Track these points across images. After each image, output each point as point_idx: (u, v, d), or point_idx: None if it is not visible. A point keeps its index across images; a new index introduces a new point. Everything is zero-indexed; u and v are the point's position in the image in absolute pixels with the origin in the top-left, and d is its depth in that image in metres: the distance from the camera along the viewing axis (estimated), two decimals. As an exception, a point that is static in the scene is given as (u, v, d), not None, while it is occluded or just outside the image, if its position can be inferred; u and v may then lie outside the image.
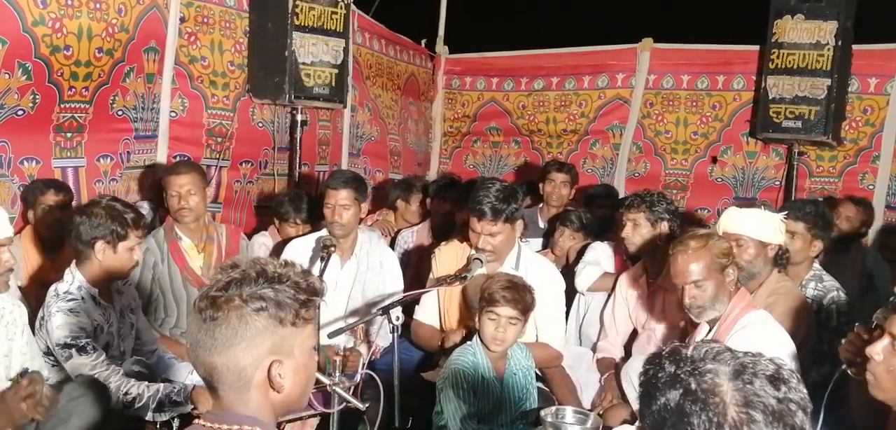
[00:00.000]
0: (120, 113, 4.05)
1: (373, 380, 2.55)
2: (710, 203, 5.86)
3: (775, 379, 1.20)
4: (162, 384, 2.79)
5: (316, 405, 2.54)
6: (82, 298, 2.79)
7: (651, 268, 3.46)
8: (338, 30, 4.85)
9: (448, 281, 3.12)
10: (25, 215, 3.59)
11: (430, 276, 3.40)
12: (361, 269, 3.59)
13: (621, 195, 5.26)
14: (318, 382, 2.06)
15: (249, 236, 4.30)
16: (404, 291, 3.49)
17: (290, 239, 3.86)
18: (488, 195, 3.13)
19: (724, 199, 5.73)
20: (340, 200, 3.48)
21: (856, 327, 2.28)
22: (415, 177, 5.71)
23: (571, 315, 3.82)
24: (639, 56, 6.15)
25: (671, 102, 6.08)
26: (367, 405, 2.52)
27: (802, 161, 5.52)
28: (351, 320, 3.24)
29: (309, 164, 5.19)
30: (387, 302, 2.84)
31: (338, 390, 2.40)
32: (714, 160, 5.94)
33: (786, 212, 3.36)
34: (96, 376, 2.70)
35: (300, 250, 3.61)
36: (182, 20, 4.32)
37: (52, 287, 2.82)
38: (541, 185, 5.00)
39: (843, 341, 2.30)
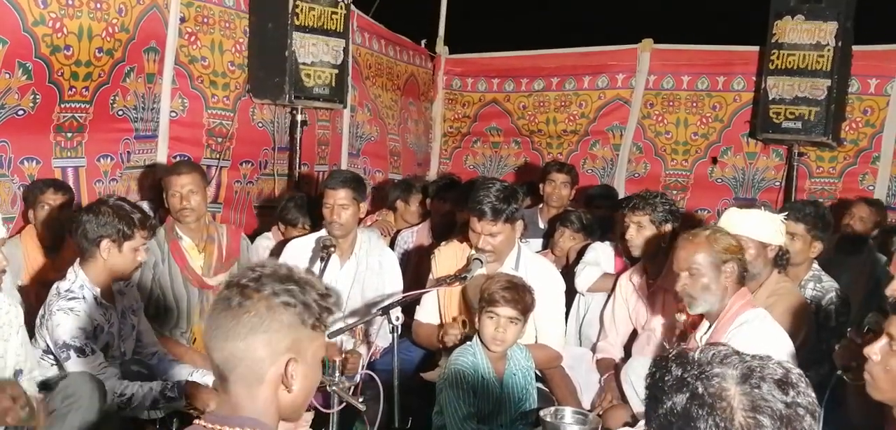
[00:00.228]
0: (120, 113, 4.05)
1: (372, 380, 2.55)
2: (710, 204, 5.86)
3: (783, 383, 1.19)
4: (156, 383, 2.80)
5: (315, 405, 2.55)
6: (84, 297, 2.79)
7: (651, 268, 3.46)
8: (338, 30, 4.85)
9: (448, 281, 3.12)
10: (26, 215, 3.59)
11: (430, 276, 3.40)
12: (361, 269, 3.59)
13: (621, 196, 5.26)
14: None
15: (250, 237, 4.30)
16: (404, 291, 3.49)
17: (289, 239, 3.87)
18: (488, 195, 3.13)
19: (724, 199, 5.74)
20: (339, 200, 3.48)
21: (849, 333, 2.28)
22: (414, 177, 5.71)
23: (571, 316, 3.81)
24: (639, 57, 6.15)
25: (671, 103, 6.08)
26: (366, 405, 2.52)
27: (802, 162, 5.53)
28: (350, 321, 3.23)
29: (308, 164, 5.20)
30: (386, 303, 2.84)
31: (337, 390, 2.41)
32: (714, 161, 5.94)
33: (786, 213, 3.37)
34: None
35: (300, 251, 3.61)
36: (182, 20, 4.32)
37: (55, 286, 2.82)
38: (541, 185, 5.00)
39: (837, 347, 2.30)
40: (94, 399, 2.55)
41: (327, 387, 2.48)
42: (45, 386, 2.74)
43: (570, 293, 3.70)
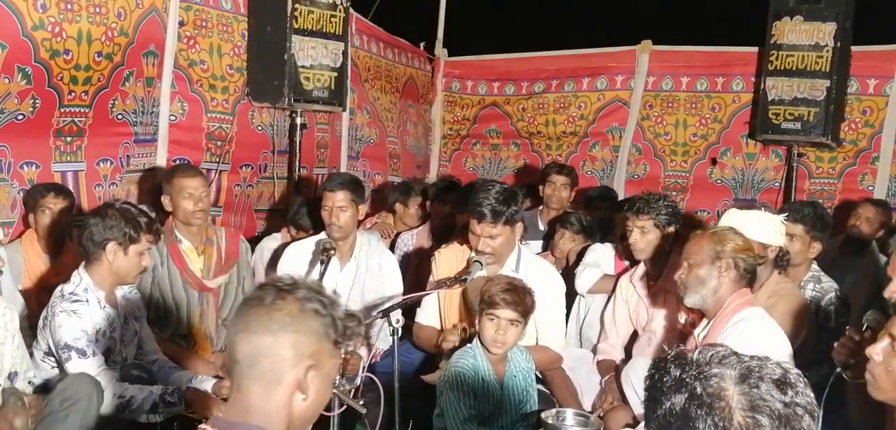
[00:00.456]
0: (119, 117, 4.05)
1: (373, 383, 2.55)
2: (709, 205, 5.87)
3: (782, 383, 1.19)
4: (156, 387, 2.80)
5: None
6: (87, 300, 2.79)
7: (652, 270, 3.46)
8: (337, 33, 4.85)
9: (448, 283, 3.11)
10: (26, 219, 3.59)
11: (431, 278, 3.40)
12: (360, 271, 3.59)
13: (621, 197, 5.26)
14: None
15: (252, 240, 4.30)
16: (404, 293, 3.49)
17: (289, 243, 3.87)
18: (488, 197, 3.13)
19: (724, 201, 5.74)
20: (338, 202, 3.48)
21: (847, 331, 2.28)
22: (413, 180, 5.71)
23: (571, 317, 3.82)
24: (638, 58, 6.16)
25: (670, 104, 6.09)
26: (367, 407, 2.52)
27: (802, 163, 5.53)
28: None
29: (307, 167, 5.20)
30: (387, 305, 2.84)
31: (338, 392, 2.40)
32: (713, 162, 5.94)
33: (785, 214, 3.37)
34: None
35: (300, 254, 3.61)
36: (181, 24, 4.33)
37: (58, 288, 2.83)
38: (540, 187, 5.00)
39: (835, 344, 2.30)
40: (93, 401, 2.56)
41: (327, 390, 2.48)
42: (44, 388, 2.74)
43: (571, 295, 3.70)
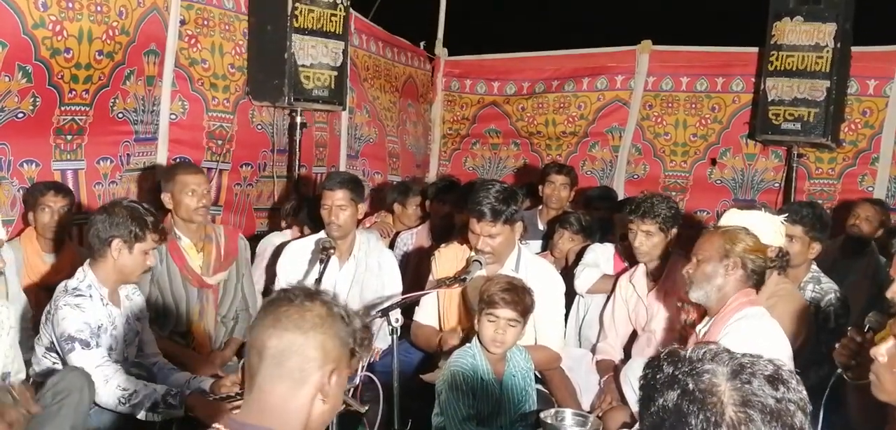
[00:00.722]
0: (120, 115, 4.06)
1: (372, 382, 2.55)
2: (709, 205, 5.87)
3: (774, 379, 1.20)
4: (159, 386, 2.81)
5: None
6: (91, 296, 2.80)
7: (652, 270, 3.46)
8: (337, 32, 4.86)
9: (447, 283, 3.12)
10: (26, 218, 3.59)
11: (430, 277, 3.40)
12: (360, 270, 3.60)
13: (621, 197, 5.26)
14: None
15: (250, 239, 4.30)
16: (403, 292, 3.49)
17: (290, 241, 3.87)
18: (488, 197, 3.14)
19: (724, 201, 5.74)
20: (337, 201, 3.49)
21: (849, 331, 2.28)
22: (412, 180, 5.72)
23: (571, 317, 3.82)
24: (638, 58, 6.16)
25: (670, 104, 6.09)
26: (366, 407, 2.52)
27: (802, 163, 5.53)
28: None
29: (307, 166, 5.20)
30: (386, 304, 2.84)
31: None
32: (713, 162, 5.95)
33: (785, 215, 3.37)
34: (98, 372, 2.71)
35: (299, 252, 3.62)
36: (182, 23, 4.33)
37: (62, 283, 2.84)
38: (540, 187, 5.01)
39: (837, 345, 2.30)
40: (85, 393, 2.56)
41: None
42: (39, 385, 2.75)
43: (570, 295, 3.70)
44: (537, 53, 6.62)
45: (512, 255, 3.28)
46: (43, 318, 2.84)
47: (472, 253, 3.18)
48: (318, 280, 3.12)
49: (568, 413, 2.88)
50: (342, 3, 4.87)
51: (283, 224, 4.51)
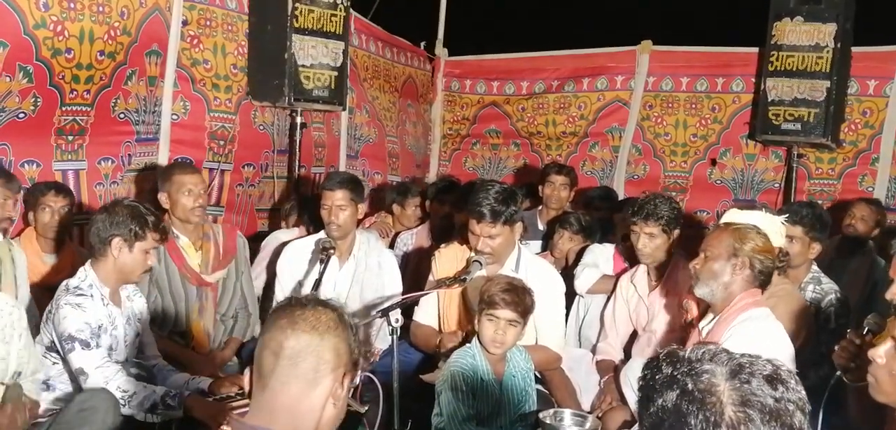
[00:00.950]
0: (122, 116, 4.06)
1: (372, 382, 2.55)
2: (709, 206, 5.87)
3: (773, 379, 1.20)
4: (158, 387, 2.81)
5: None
6: (91, 295, 2.81)
7: (653, 270, 3.46)
8: (337, 32, 4.86)
9: (447, 283, 3.12)
10: (26, 218, 3.60)
11: (430, 278, 3.40)
12: (360, 270, 3.60)
13: (621, 198, 5.26)
14: None
15: (251, 240, 4.30)
16: (403, 292, 3.50)
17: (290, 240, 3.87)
18: (488, 197, 3.14)
19: (724, 201, 5.74)
20: (336, 201, 3.49)
21: (848, 334, 2.28)
22: (411, 180, 5.73)
23: (571, 317, 3.82)
24: (638, 58, 6.16)
25: (670, 105, 6.09)
26: (366, 407, 2.53)
27: (802, 163, 5.54)
28: (350, 322, 3.24)
29: (306, 166, 5.21)
30: (386, 305, 2.84)
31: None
32: (713, 163, 5.95)
33: (784, 215, 3.37)
34: (98, 373, 2.71)
35: (299, 252, 3.62)
36: (184, 23, 4.34)
37: (64, 282, 2.85)
38: (540, 187, 5.01)
39: (836, 347, 2.30)
40: (109, 415, 2.57)
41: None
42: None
43: (570, 295, 3.71)
44: (537, 54, 6.62)
45: (512, 255, 3.28)
46: (43, 318, 2.85)
47: (472, 253, 3.18)
48: (319, 280, 3.12)
49: (567, 414, 2.88)
50: (342, 3, 4.88)
51: (283, 224, 4.52)
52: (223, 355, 3.54)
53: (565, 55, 6.49)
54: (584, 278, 3.84)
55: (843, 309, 3.36)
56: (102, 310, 2.83)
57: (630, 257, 3.74)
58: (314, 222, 4.07)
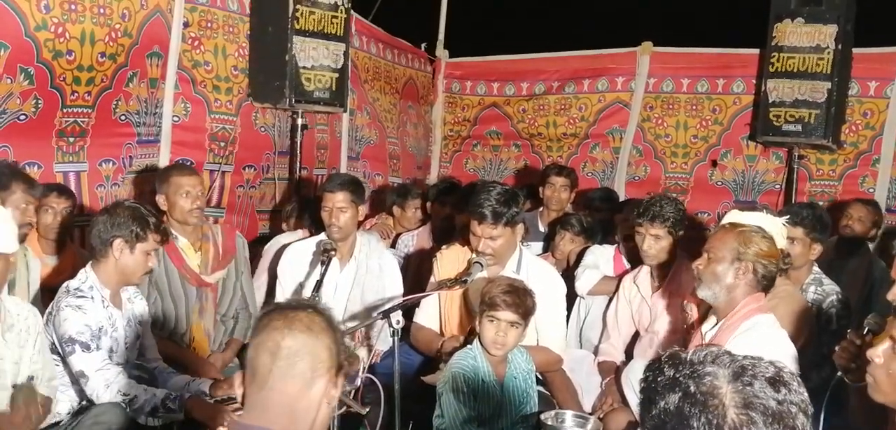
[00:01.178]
0: (123, 118, 4.07)
1: (373, 384, 2.56)
2: (710, 207, 5.87)
3: (775, 381, 1.20)
4: (159, 390, 2.81)
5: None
6: (92, 297, 2.81)
7: (656, 270, 3.46)
8: (338, 34, 4.86)
9: (449, 285, 3.12)
10: (27, 219, 3.60)
11: (431, 279, 3.40)
12: (360, 272, 3.60)
13: (621, 199, 5.26)
14: None
15: (252, 242, 4.30)
16: (404, 294, 3.50)
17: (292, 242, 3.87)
18: (489, 199, 3.14)
19: (724, 202, 5.73)
20: (337, 203, 3.49)
21: (848, 334, 2.28)
22: (411, 182, 5.73)
23: (572, 319, 3.82)
24: (638, 60, 6.16)
25: (671, 106, 6.09)
26: (367, 409, 2.53)
27: (802, 165, 5.53)
28: (350, 324, 3.24)
29: (308, 168, 5.21)
30: (387, 306, 2.84)
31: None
32: (714, 164, 5.95)
33: (785, 217, 3.36)
34: (98, 376, 2.72)
35: (300, 254, 3.62)
36: (186, 25, 4.34)
37: (64, 284, 2.85)
38: (540, 189, 5.01)
39: (837, 348, 2.30)
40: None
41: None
42: (78, 412, 2.77)
43: (571, 296, 3.70)
44: (538, 55, 6.62)
45: (513, 256, 3.28)
46: (44, 320, 2.85)
47: (473, 255, 3.18)
48: (320, 282, 3.12)
49: (568, 415, 2.88)
50: (343, 4, 4.88)
51: (284, 227, 4.52)
52: (224, 356, 3.54)
53: (566, 56, 6.49)
54: (585, 279, 3.84)
55: (844, 310, 3.36)
56: (103, 312, 2.83)
57: (631, 258, 3.74)
58: (316, 224, 4.07)
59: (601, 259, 3.93)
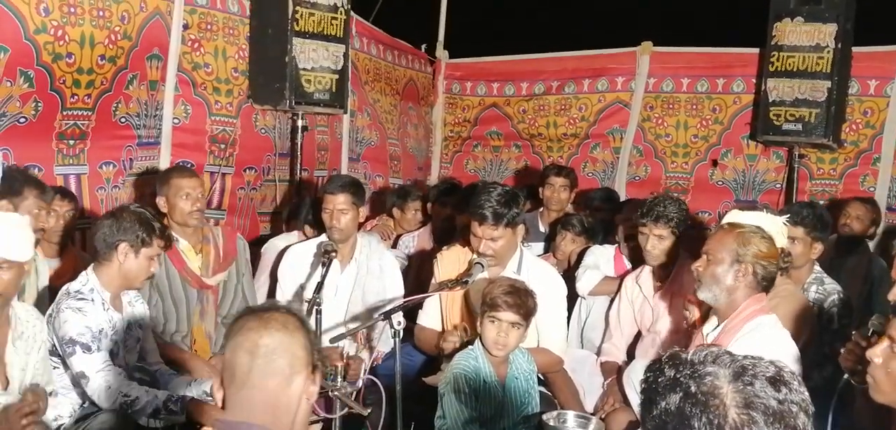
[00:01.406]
0: (123, 120, 4.07)
1: (375, 385, 2.56)
2: (710, 206, 5.87)
3: (776, 381, 1.20)
4: (160, 392, 2.81)
5: (318, 411, 2.56)
6: (92, 299, 2.81)
7: (658, 270, 3.46)
8: (338, 35, 4.86)
9: (450, 286, 3.12)
10: (28, 221, 3.59)
11: (433, 280, 3.40)
12: (361, 273, 3.60)
13: (622, 199, 5.26)
14: (321, 387, 2.12)
15: (252, 243, 4.30)
16: (405, 295, 3.50)
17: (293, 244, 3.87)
18: (489, 200, 3.14)
19: (725, 202, 5.73)
20: (338, 205, 3.49)
21: (853, 336, 2.28)
22: (411, 183, 5.73)
23: (573, 319, 3.82)
24: (638, 59, 6.16)
25: (671, 106, 6.09)
26: (369, 410, 2.53)
27: (803, 164, 5.53)
28: (351, 325, 3.24)
29: (308, 169, 5.21)
30: (389, 307, 2.84)
31: (340, 395, 2.41)
32: (714, 163, 5.95)
33: (786, 216, 3.36)
34: (99, 377, 2.72)
35: (301, 256, 3.62)
36: (185, 27, 4.34)
37: (65, 286, 2.85)
38: (540, 189, 5.01)
39: (842, 350, 2.30)
40: None
41: (329, 393, 2.49)
42: (80, 418, 2.77)
43: (572, 297, 3.70)
44: (538, 55, 6.62)
45: (514, 257, 3.28)
46: (44, 321, 2.85)
47: (474, 256, 3.18)
48: (321, 284, 3.12)
49: (570, 415, 2.88)
50: (343, 6, 4.88)
51: (285, 228, 4.52)
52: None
53: (566, 57, 6.49)
54: (586, 279, 3.83)
55: (845, 310, 3.36)
56: (103, 314, 2.83)
57: (632, 258, 3.74)
58: (317, 225, 4.07)
59: (602, 260, 3.93)
